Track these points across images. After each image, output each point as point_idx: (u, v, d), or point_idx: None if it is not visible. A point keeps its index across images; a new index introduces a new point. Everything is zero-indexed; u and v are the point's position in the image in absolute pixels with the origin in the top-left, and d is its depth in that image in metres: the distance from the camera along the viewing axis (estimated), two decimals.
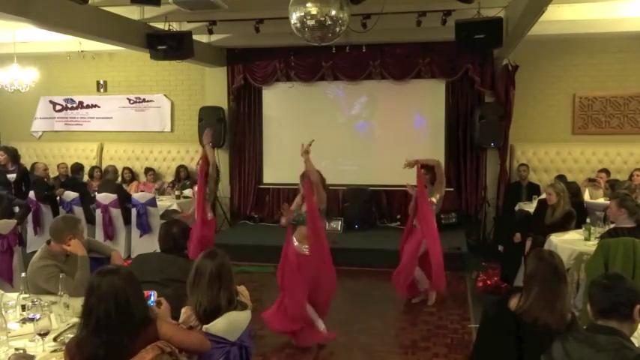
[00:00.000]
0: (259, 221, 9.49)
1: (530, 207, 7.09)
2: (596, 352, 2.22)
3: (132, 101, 10.12)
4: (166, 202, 8.21)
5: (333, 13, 4.67)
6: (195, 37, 7.76)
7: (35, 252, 3.90)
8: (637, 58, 8.46)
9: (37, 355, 2.72)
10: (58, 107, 10.46)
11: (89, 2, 5.81)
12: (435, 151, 8.97)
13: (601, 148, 8.67)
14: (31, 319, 2.96)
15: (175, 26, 7.88)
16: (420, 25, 7.43)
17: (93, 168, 9.57)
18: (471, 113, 8.73)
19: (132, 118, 10.14)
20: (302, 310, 4.84)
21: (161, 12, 7.11)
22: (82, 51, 9.44)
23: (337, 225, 8.66)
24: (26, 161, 9.16)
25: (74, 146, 10.36)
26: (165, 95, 10.00)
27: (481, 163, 8.91)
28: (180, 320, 2.86)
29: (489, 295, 6.14)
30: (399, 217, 9.02)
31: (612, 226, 5.08)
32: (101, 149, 10.31)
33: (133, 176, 9.69)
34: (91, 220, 8.14)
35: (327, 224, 5.81)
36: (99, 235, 7.89)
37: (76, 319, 3.07)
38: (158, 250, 3.86)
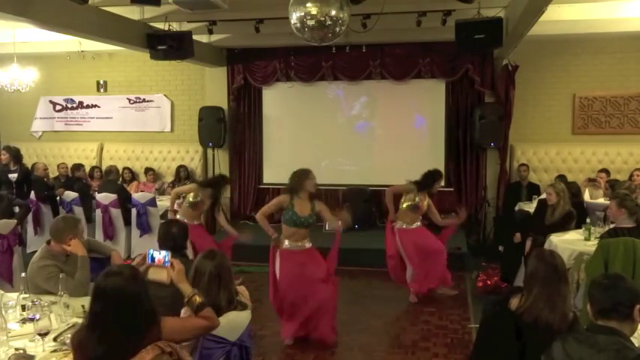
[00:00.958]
0: None
1: (530, 207, 7.09)
2: (597, 352, 2.22)
3: (132, 101, 10.12)
4: (166, 202, 8.16)
5: (333, 13, 4.67)
6: (195, 37, 7.76)
7: (35, 252, 3.91)
8: (637, 58, 8.45)
9: (37, 355, 2.72)
10: (58, 107, 10.46)
11: (89, 2, 5.81)
12: (435, 151, 8.99)
13: (601, 148, 8.67)
14: (31, 319, 2.96)
15: (175, 26, 7.87)
16: (420, 25, 7.42)
17: (93, 168, 9.58)
18: (471, 113, 8.73)
19: (132, 118, 10.13)
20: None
21: (161, 12, 7.10)
22: (82, 51, 9.43)
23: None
24: (26, 161, 9.14)
25: (74, 146, 10.36)
26: (165, 95, 9.99)
27: (481, 163, 8.91)
28: None
29: (489, 295, 6.14)
30: None
31: (612, 226, 5.08)
32: (101, 149, 10.30)
33: (133, 176, 9.69)
34: (90, 219, 8.13)
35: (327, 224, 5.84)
36: (99, 235, 7.90)
37: (76, 319, 3.07)
38: None
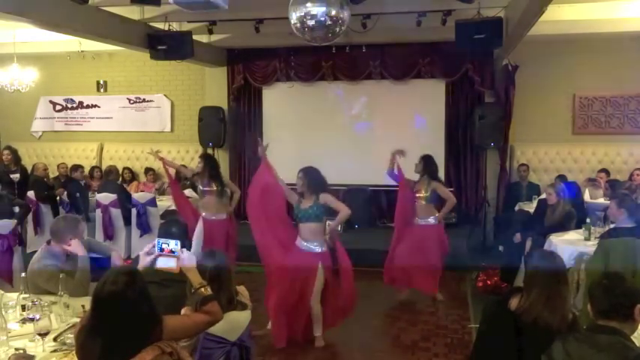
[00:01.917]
0: None
1: (530, 207, 7.09)
2: (597, 352, 2.22)
3: (132, 101, 10.12)
4: (166, 202, 8.19)
5: (333, 13, 4.68)
6: (195, 37, 7.76)
7: (35, 252, 3.91)
8: (637, 58, 8.44)
9: (37, 355, 2.72)
10: (58, 107, 10.47)
11: (89, 2, 5.82)
12: (435, 151, 8.89)
13: (601, 148, 8.67)
14: (31, 319, 2.96)
15: (175, 26, 7.87)
16: (420, 25, 7.42)
17: (93, 168, 9.58)
18: (471, 113, 8.73)
19: (132, 118, 10.14)
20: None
21: (161, 12, 7.10)
22: (82, 51, 9.43)
23: None
24: (26, 161, 9.15)
25: (74, 146, 10.36)
26: (165, 95, 9.99)
27: (481, 163, 8.91)
28: None
29: (489, 295, 6.13)
30: None
31: (612, 226, 5.08)
32: (101, 149, 10.31)
33: (133, 176, 9.70)
34: (85, 219, 8.12)
35: (327, 224, 5.83)
36: (99, 235, 7.89)
37: (76, 319, 3.07)
38: None
